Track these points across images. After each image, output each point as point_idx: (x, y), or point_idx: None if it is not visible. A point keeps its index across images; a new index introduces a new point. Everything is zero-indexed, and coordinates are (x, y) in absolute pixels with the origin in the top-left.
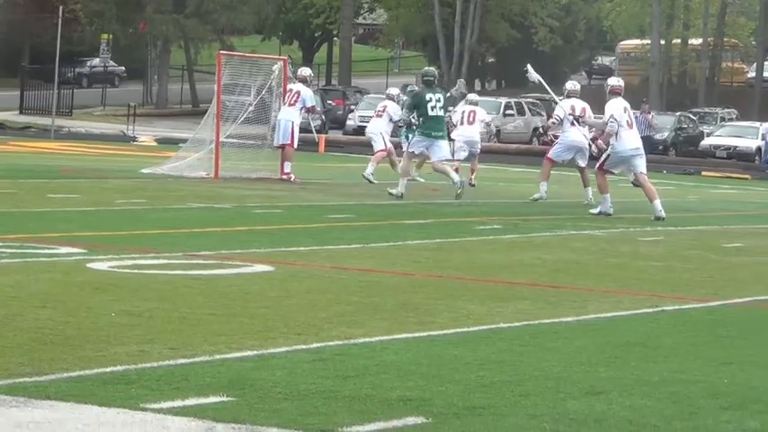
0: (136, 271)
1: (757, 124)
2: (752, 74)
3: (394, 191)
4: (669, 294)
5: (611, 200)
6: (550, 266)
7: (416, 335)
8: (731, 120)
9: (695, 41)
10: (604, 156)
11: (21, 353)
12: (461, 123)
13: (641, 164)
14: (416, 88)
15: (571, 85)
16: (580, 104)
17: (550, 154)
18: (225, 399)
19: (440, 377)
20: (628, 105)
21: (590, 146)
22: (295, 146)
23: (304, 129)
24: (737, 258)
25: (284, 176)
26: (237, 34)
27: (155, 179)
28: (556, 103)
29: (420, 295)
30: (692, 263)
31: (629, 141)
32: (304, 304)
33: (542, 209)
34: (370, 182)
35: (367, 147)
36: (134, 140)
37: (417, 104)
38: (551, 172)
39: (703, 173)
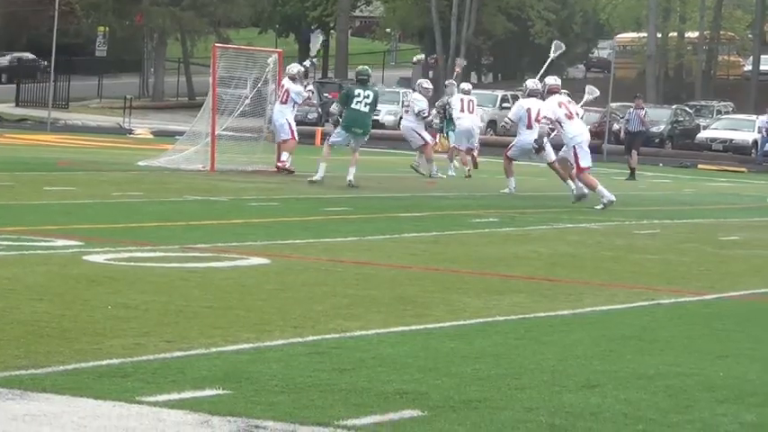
0: (132, 264)
1: (753, 117)
2: (748, 67)
3: (314, 177)
4: (665, 287)
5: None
6: (546, 259)
7: (413, 328)
8: (727, 113)
9: (692, 34)
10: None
11: (17, 345)
12: (462, 112)
13: (586, 156)
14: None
15: (532, 83)
16: (537, 105)
17: (509, 153)
18: (221, 392)
19: (436, 370)
20: (565, 99)
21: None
22: (296, 138)
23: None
24: (733, 251)
25: (279, 164)
26: (234, 27)
27: (151, 172)
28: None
29: (416, 288)
30: (688, 256)
31: (577, 129)
32: (300, 297)
33: (538, 202)
34: (421, 174)
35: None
36: (130, 133)
37: (345, 99)
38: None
39: (699, 166)
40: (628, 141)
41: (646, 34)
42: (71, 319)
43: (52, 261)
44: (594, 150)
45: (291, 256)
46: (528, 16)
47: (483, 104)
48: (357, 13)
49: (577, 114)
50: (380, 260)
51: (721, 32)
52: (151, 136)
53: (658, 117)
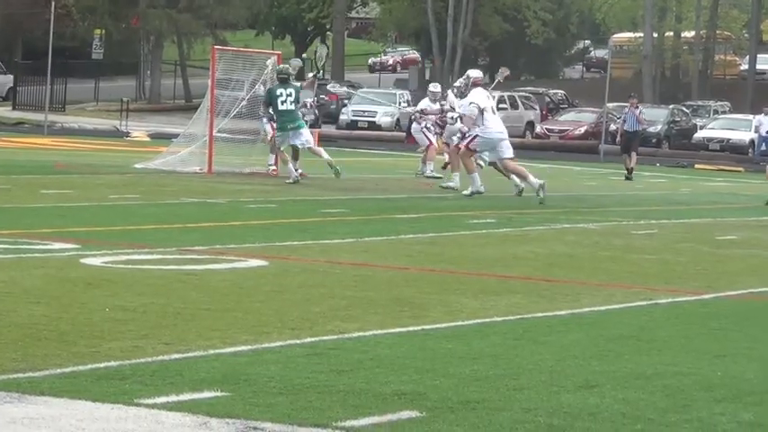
0: (129, 266)
1: (750, 117)
2: (745, 66)
3: (289, 180)
4: (662, 287)
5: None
6: (544, 260)
7: (410, 329)
8: (724, 112)
9: (688, 34)
10: (470, 137)
11: (14, 349)
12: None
13: (506, 149)
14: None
15: (475, 73)
16: (481, 95)
17: (473, 145)
18: (219, 394)
19: (434, 371)
20: (489, 95)
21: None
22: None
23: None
24: (730, 251)
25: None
26: (230, 29)
27: (148, 174)
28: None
29: (413, 289)
30: (685, 256)
31: (495, 126)
32: (298, 299)
33: (535, 202)
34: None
35: (357, 141)
36: (127, 136)
37: (270, 100)
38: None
39: (696, 166)
40: (625, 142)
41: (642, 34)
42: (69, 322)
43: (49, 264)
44: (592, 151)
45: (289, 258)
46: (524, 17)
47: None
48: (353, 14)
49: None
50: (378, 261)
51: (717, 32)
52: (148, 139)
53: (655, 117)
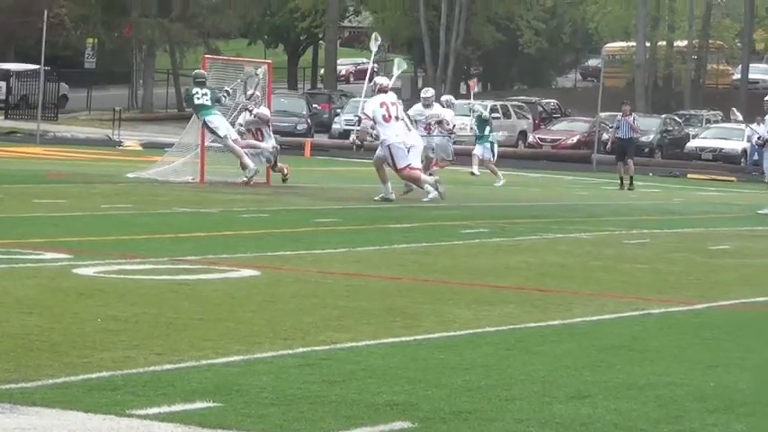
0: (122, 276)
1: (743, 126)
2: (737, 76)
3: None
4: (655, 297)
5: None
6: (536, 270)
7: (402, 339)
8: (717, 122)
9: (680, 43)
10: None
11: (6, 359)
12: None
13: (403, 156)
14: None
15: (382, 80)
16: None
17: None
18: (211, 404)
19: (426, 381)
20: (394, 100)
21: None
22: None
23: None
24: (723, 260)
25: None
26: (223, 38)
27: (140, 184)
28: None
29: (406, 299)
30: (678, 265)
31: (392, 132)
32: (290, 309)
33: (528, 212)
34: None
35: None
36: (119, 145)
37: (189, 100)
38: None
39: (689, 175)
40: (619, 149)
41: (635, 43)
42: (61, 333)
43: (41, 274)
44: (585, 160)
45: (281, 268)
46: (517, 26)
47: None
48: (346, 23)
49: (400, 119)
50: (370, 271)
51: (710, 41)
52: (140, 148)
53: (648, 126)
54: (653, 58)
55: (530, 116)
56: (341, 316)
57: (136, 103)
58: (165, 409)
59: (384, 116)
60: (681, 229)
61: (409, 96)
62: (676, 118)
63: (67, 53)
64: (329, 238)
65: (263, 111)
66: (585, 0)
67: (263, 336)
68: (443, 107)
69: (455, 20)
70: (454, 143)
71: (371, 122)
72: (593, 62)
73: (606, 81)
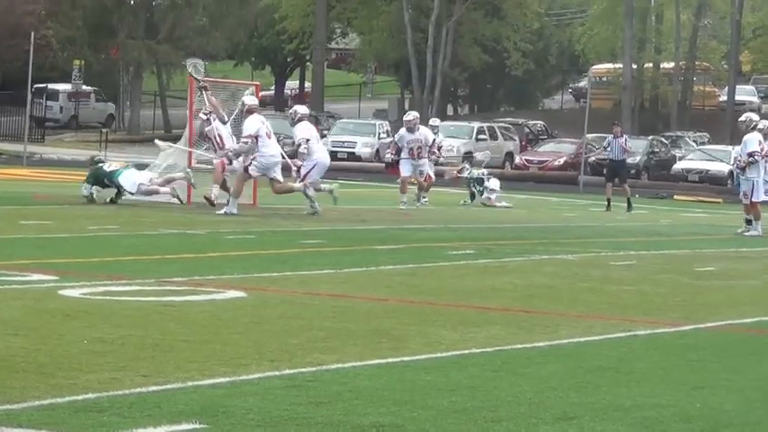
0: (108, 298)
1: (729, 148)
2: (723, 97)
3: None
4: (641, 318)
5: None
6: (523, 291)
7: (389, 360)
8: (703, 143)
9: (667, 65)
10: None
11: None
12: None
13: (278, 170)
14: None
15: (302, 109)
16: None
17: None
18: (197, 426)
19: (412, 403)
20: (264, 119)
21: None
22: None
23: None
24: (710, 282)
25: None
26: (210, 59)
27: (127, 205)
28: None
29: (392, 321)
30: (664, 287)
31: (269, 150)
32: (276, 330)
33: (514, 233)
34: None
35: (337, 171)
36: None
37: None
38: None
39: (675, 197)
40: (610, 171)
41: (621, 65)
42: (47, 354)
43: (27, 296)
44: (572, 182)
45: (268, 290)
46: (504, 48)
47: (459, 136)
48: (333, 45)
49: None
50: (357, 293)
51: (696, 63)
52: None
53: (635, 148)
54: (639, 79)
55: (516, 138)
56: (327, 337)
57: (123, 125)
58: (150, 430)
59: (267, 134)
60: (667, 250)
61: (396, 118)
62: (663, 139)
63: (54, 74)
64: (315, 260)
65: (229, 145)
66: (572, 22)
67: (250, 357)
68: (434, 133)
69: (442, 42)
70: (440, 164)
71: (249, 143)
72: (585, 83)
73: (593, 102)
